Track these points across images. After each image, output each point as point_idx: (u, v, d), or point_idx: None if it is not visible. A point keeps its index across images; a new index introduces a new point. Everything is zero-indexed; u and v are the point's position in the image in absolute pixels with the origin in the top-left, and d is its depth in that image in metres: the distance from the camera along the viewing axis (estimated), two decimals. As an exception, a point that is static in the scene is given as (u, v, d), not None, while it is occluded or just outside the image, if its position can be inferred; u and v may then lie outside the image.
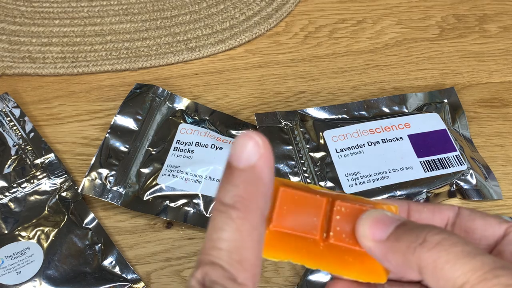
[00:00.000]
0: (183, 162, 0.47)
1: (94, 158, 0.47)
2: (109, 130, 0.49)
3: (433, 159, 0.48)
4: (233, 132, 0.50)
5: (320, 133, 0.49)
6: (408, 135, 0.49)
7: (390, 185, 0.46)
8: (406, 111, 0.52)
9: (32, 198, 0.46)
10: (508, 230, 0.25)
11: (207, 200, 0.46)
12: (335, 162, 0.47)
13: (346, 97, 0.55)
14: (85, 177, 0.46)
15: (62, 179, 0.47)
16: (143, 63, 0.57)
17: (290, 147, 0.49)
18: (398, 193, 0.46)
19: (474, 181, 0.47)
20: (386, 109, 0.52)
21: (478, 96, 0.55)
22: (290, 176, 0.47)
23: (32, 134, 0.50)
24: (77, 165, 0.50)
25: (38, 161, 0.48)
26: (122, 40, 0.59)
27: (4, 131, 0.50)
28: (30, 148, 0.49)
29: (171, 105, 0.52)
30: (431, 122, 0.50)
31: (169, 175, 0.47)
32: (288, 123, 0.50)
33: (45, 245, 0.43)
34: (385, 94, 0.55)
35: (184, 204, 0.46)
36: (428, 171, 0.47)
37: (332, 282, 0.26)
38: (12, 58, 0.57)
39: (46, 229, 0.44)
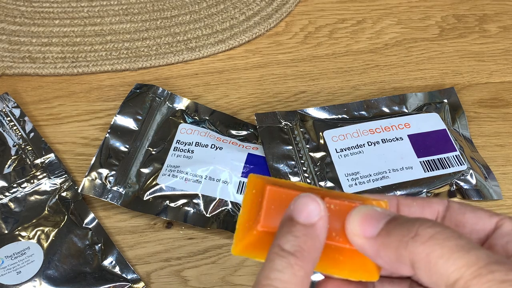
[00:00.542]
0: (183, 162, 0.47)
1: (94, 158, 0.47)
2: (109, 130, 0.49)
3: (433, 159, 0.48)
4: (233, 132, 0.50)
5: (320, 133, 0.49)
6: (408, 135, 0.49)
7: (390, 185, 0.46)
8: (406, 111, 0.52)
9: (32, 198, 0.46)
10: (499, 223, 0.24)
11: (207, 200, 0.46)
12: (335, 162, 0.47)
13: (346, 97, 0.55)
14: (85, 177, 0.46)
15: (62, 179, 0.47)
16: (143, 63, 0.57)
17: (290, 147, 0.49)
18: (398, 193, 0.46)
19: (474, 181, 0.47)
20: (386, 109, 0.52)
21: (478, 96, 0.55)
22: (290, 176, 0.47)
23: (32, 134, 0.50)
24: (77, 165, 0.50)
25: (38, 161, 0.48)
26: (122, 40, 0.59)
27: (4, 131, 0.50)
28: (30, 148, 0.49)
29: (171, 105, 0.52)
30: (431, 122, 0.50)
31: (169, 175, 0.47)
32: (288, 123, 0.50)
33: (45, 245, 0.43)
34: (385, 94, 0.55)
35: (184, 204, 0.46)
36: (428, 171, 0.47)
37: (322, 281, 0.26)
38: (12, 58, 0.57)
39: (46, 229, 0.44)
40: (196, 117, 0.51)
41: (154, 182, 0.46)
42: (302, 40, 0.60)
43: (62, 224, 0.44)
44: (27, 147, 0.49)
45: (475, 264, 0.20)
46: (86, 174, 0.46)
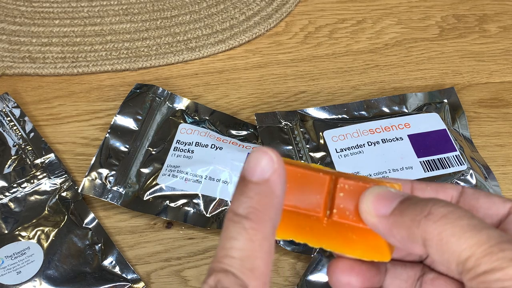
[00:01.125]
0: (183, 162, 0.47)
1: (94, 158, 0.47)
2: (109, 130, 0.49)
3: (433, 159, 0.48)
4: (233, 132, 0.50)
5: (320, 133, 0.49)
6: (408, 135, 0.49)
7: (390, 185, 0.46)
8: (406, 111, 0.52)
9: (32, 198, 0.46)
10: None
11: (207, 200, 0.46)
12: (335, 162, 0.47)
13: (346, 97, 0.55)
14: (85, 177, 0.46)
15: (62, 179, 0.47)
16: (143, 63, 0.57)
17: (290, 147, 0.49)
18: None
19: (474, 181, 0.47)
20: (386, 109, 0.52)
21: (478, 96, 0.55)
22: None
23: (32, 134, 0.50)
24: (77, 165, 0.50)
25: (38, 161, 0.48)
26: (122, 40, 0.59)
27: (4, 131, 0.50)
28: (30, 148, 0.49)
29: (171, 105, 0.52)
30: (431, 122, 0.50)
31: (169, 175, 0.47)
32: (288, 123, 0.50)
33: (45, 245, 0.43)
34: (385, 94, 0.55)
35: (184, 204, 0.46)
36: (428, 171, 0.47)
37: (335, 261, 0.25)
38: (12, 58, 0.57)
39: (46, 229, 0.44)
40: (196, 117, 0.51)
41: (154, 182, 0.46)
42: (302, 40, 0.60)
43: (62, 224, 0.44)
44: (27, 147, 0.49)
45: (486, 243, 0.20)
46: (86, 174, 0.46)
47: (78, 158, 0.50)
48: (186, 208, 0.46)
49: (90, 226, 0.45)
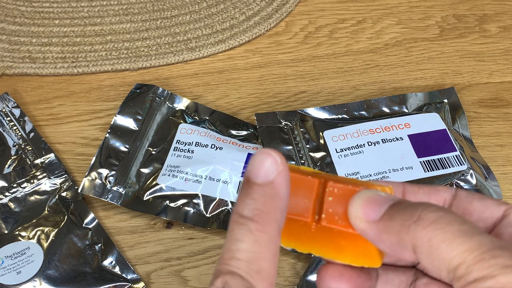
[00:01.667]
0: (183, 162, 0.47)
1: (94, 158, 0.47)
2: (109, 130, 0.49)
3: (433, 159, 0.48)
4: (233, 132, 0.50)
5: (320, 133, 0.49)
6: (408, 135, 0.49)
7: (390, 185, 0.46)
8: (406, 111, 0.52)
9: (32, 198, 0.46)
10: (507, 212, 0.24)
11: (207, 200, 0.46)
12: (335, 162, 0.47)
13: (346, 97, 0.55)
14: (85, 177, 0.46)
15: (62, 179, 0.47)
16: (143, 63, 0.57)
17: (290, 147, 0.49)
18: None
19: (474, 181, 0.47)
20: (386, 109, 0.52)
21: (478, 96, 0.55)
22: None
23: (32, 134, 0.50)
24: (77, 165, 0.50)
25: (38, 161, 0.48)
26: (122, 40, 0.59)
27: (4, 131, 0.50)
28: (30, 148, 0.49)
29: (171, 105, 0.52)
30: (431, 122, 0.50)
31: (169, 175, 0.47)
32: (288, 123, 0.50)
33: (45, 245, 0.43)
34: (385, 94, 0.55)
35: (184, 204, 0.46)
36: (428, 171, 0.47)
37: (324, 267, 0.25)
38: (12, 58, 0.57)
39: (46, 229, 0.44)
40: (196, 117, 0.51)
41: (154, 182, 0.46)
42: (302, 40, 0.60)
43: (62, 224, 0.44)
44: (27, 147, 0.49)
45: (477, 249, 0.19)
46: (86, 174, 0.46)
47: (78, 158, 0.50)
48: (186, 208, 0.46)
49: (90, 226, 0.45)
